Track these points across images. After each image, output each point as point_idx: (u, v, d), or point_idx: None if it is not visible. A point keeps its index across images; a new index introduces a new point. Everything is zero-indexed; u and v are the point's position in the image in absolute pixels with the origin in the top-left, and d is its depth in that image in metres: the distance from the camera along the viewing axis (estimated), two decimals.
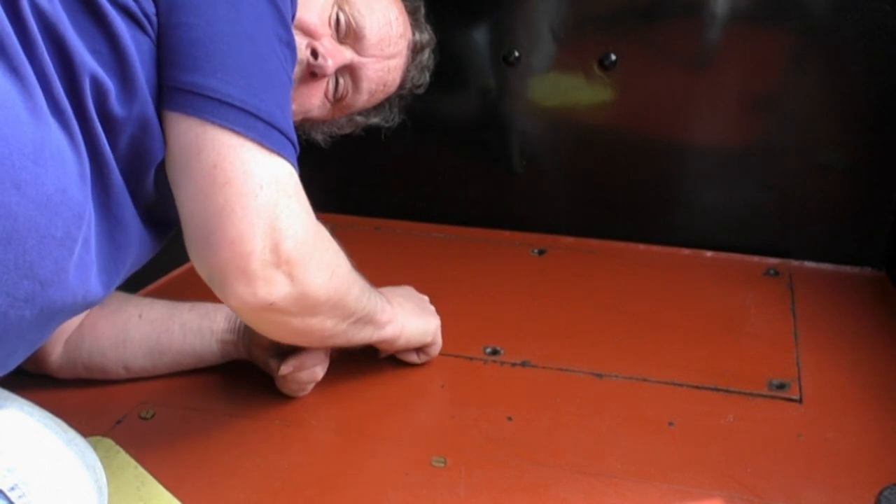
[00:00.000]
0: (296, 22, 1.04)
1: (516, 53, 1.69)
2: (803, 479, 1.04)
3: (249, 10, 0.92)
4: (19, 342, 0.86)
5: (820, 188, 1.62)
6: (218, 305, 1.24)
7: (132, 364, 1.23)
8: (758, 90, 1.62)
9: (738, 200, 1.68)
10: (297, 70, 1.07)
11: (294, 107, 1.15)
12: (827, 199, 1.63)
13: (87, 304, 0.93)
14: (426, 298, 1.33)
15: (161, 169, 0.92)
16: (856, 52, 1.51)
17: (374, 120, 1.34)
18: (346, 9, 1.15)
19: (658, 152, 1.69)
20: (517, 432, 1.14)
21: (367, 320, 1.13)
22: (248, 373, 1.25)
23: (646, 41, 1.64)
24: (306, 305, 0.97)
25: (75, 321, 1.19)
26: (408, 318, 1.23)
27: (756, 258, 1.67)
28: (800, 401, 1.21)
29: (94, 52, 0.85)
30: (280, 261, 0.90)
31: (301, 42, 1.09)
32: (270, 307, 0.93)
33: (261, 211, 0.88)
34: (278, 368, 1.18)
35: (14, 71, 0.78)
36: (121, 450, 1.09)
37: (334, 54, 1.14)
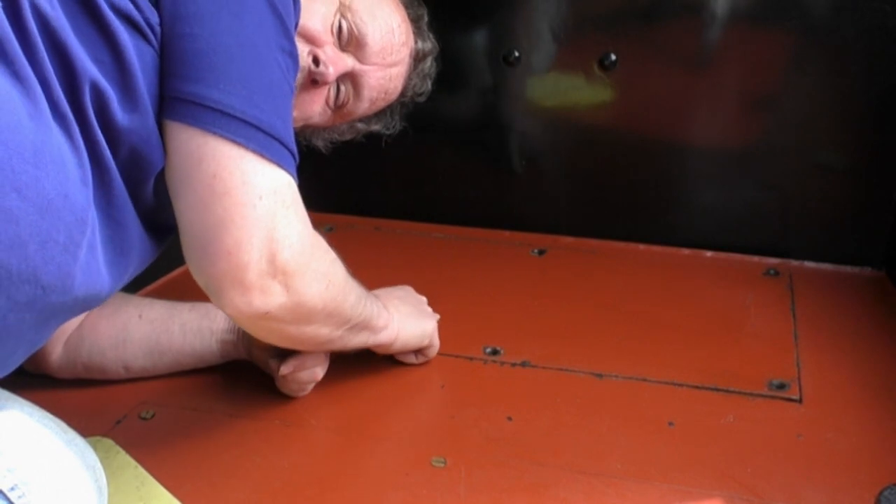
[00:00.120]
0: (298, 29, 1.04)
1: (516, 53, 1.69)
2: (803, 479, 1.04)
3: (252, 21, 0.92)
4: (19, 343, 0.86)
5: (820, 188, 1.62)
6: None
7: (132, 364, 1.23)
8: (758, 90, 1.62)
9: (738, 200, 1.68)
10: (299, 77, 1.07)
11: (295, 113, 1.16)
12: (827, 199, 1.63)
13: (88, 307, 0.93)
14: (424, 300, 1.33)
15: (160, 178, 0.92)
16: (856, 52, 1.51)
17: (376, 127, 1.34)
18: (349, 16, 1.15)
19: (658, 152, 1.69)
20: (517, 432, 1.14)
21: (362, 326, 1.13)
22: (248, 373, 1.25)
23: (646, 41, 1.64)
24: (302, 314, 0.98)
25: (75, 321, 1.19)
26: (404, 321, 1.24)
27: (756, 258, 1.67)
28: (800, 401, 1.21)
29: (97, 61, 0.85)
30: (276, 271, 0.91)
31: (303, 49, 1.09)
32: (266, 316, 0.94)
33: (259, 221, 0.89)
34: (278, 368, 1.18)
35: (15, 75, 0.78)
36: (121, 450, 1.09)
37: (336, 62, 1.14)
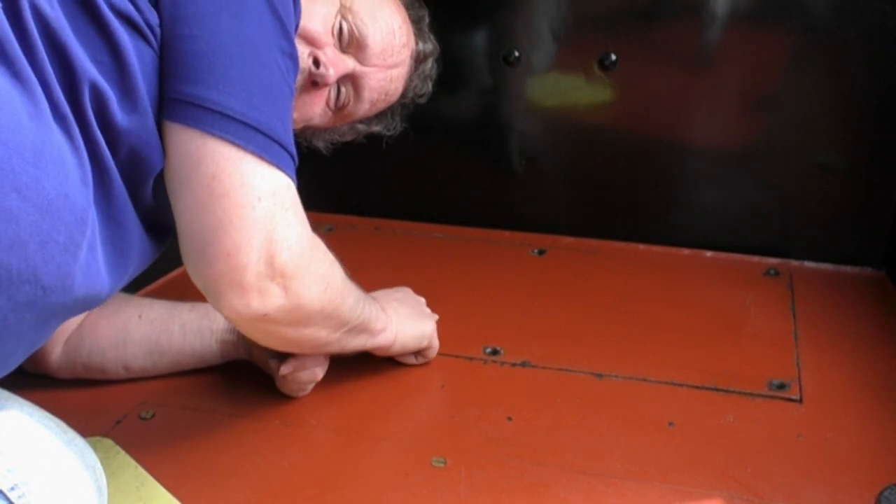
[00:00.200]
0: (299, 30, 1.04)
1: (516, 53, 1.69)
2: (803, 479, 1.04)
3: (252, 22, 0.92)
4: (19, 343, 0.86)
5: (820, 188, 1.62)
6: None
7: (132, 364, 1.23)
8: (758, 90, 1.62)
9: (738, 200, 1.68)
10: (299, 79, 1.07)
11: (295, 115, 1.16)
12: (827, 199, 1.63)
13: (88, 308, 0.93)
14: (423, 301, 1.33)
15: (160, 179, 0.92)
16: (856, 52, 1.51)
17: (376, 128, 1.34)
18: (350, 18, 1.15)
19: (658, 152, 1.69)
20: (517, 432, 1.14)
21: (360, 329, 1.13)
22: (248, 373, 1.25)
23: (646, 41, 1.64)
24: (300, 317, 0.98)
25: (75, 321, 1.19)
26: (402, 323, 1.24)
27: (756, 258, 1.67)
28: (800, 401, 1.21)
29: (96, 62, 0.85)
30: (275, 273, 0.91)
31: (303, 51, 1.09)
32: (264, 318, 0.93)
33: (258, 223, 0.89)
34: (278, 368, 1.18)
35: (16, 76, 0.78)
36: (121, 450, 1.09)
37: (336, 63, 1.14)
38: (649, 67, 1.64)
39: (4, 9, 0.79)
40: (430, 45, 1.32)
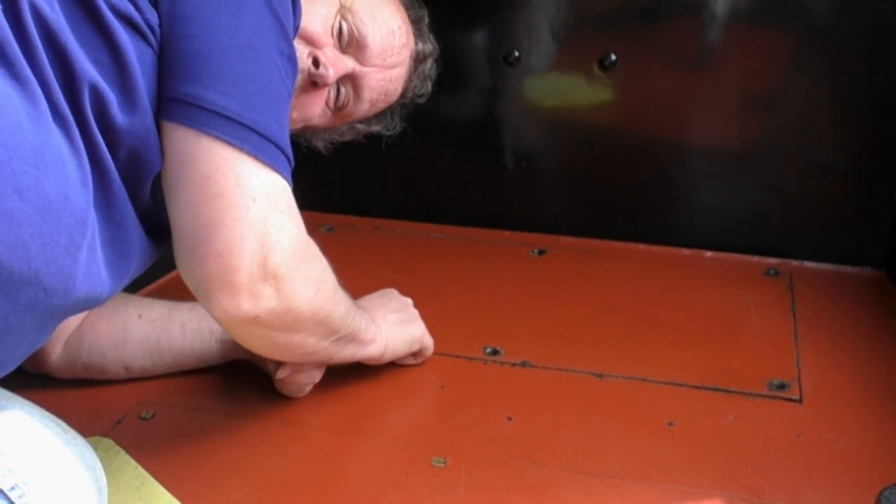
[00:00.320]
0: (299, 31, 1.04)
1: (516, 53, 1.69)
2: (803, 479, 1.04)
3: (251, 23, 0.91)
4: (19, 344, 0.86)
5: (820, 188, 1.62)
6: None
7: (132, 364, 1.23)
8: (758, 90, 1.62)
9: (738, 200, 1.68)
10: (299, 79, 1.07)
11: (294, 115, 1.16)
12: (827, 199, 1.63)
13: (88, 309, 0.93)
14: (409, 302, 1.30)
15: (158, 179, 0.92)
16: (856, 52, 1.51)
17: (376, 128, 1.34)
18: (349, 18, 1.15)
19: (658, 152, 1.69)
20: (517, 432, 1.14)
21: (350, 339, 1.12)
22: (248, 373, 1.25)
23: (646, 41, 1.64)
24: (290, 321, 0.97)
25: (75, 321, 1.19)
26: (391, 330, 1.23)
27: (756, 258, 1.67)
28: (800, 401, 1.21)
29: (96, 63, 0.85)
30: (267, 275, 0.90)
31: (303, 51, 1.09)
32: (254, 321, 0.93)
33: (251, 224, 0.88)
34: (276, 370, 1.17)
35: (15, 77, 0.78)
36: (121, 450, 1.09)
37: (336, 64, 1.14)
38: (649, 67, 1.64)
39: (4, 10, 0.79)
40: (429, 46, 1.32)
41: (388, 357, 1.23)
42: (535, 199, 1.79)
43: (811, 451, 1.10)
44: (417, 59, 1.29)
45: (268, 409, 1.19)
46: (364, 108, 1.24)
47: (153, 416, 1.18)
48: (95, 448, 0.93)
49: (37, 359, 1.18)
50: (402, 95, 1.30)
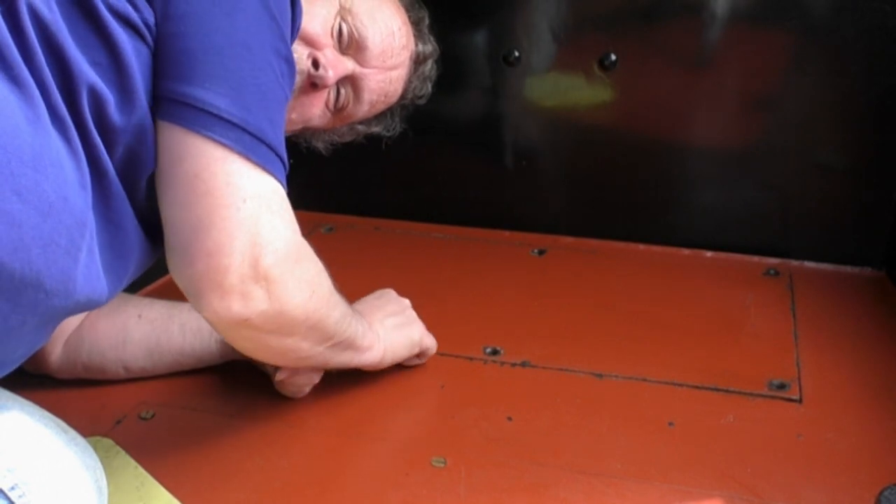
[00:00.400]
0: (299, 32, 1.03)
1: (516, 53, 1.69)
2: (803, 479, 1.04)
3: (246, 23, 0.90)
4: (19, 344, 0.86)
5: (820, 188, 1.62)
6: None
7: (132, 364, 1.23)
8: (758, 90, 1.62)
9: (738, 200, 1.68)
10: (298, 80, 1.06)
11: (294, 116, 1.15)
12: (827, 199, 1.63)
13: (89, 310, 0.92)
14: (407, 303, 1.29)
15: (153, 179, 0.91)
16: (856, 52, 1.51)
17: (376, 129, 1.34)
18: (349, 19, 1.15)
19: (658, 152, 1.69)
20: (517, 432, 1.14)
21: (346, 345, 1.11)
22: (248, 373, 1.25)
23: (646, 41, 1.64)
24: (283, 324, 0.96)
25: (75, 321, 1.19)
26: (390, 335, 1.21)
27: (756, 258, 1.67)
28: (800, 401, 1.21)
29: (94, 64, 0.85)
30: (258, 276, 0.89)
31: (302, 52, 1.09)
32: (245, 323, 0.91)
33: (242, 224, 0.87)
34: (275, 371, 1.17)
35: (14, 80, 0.77)
36: (121, 450, 1.09)
37: (335, 65, 1.14)
38: (649, 67, 1.64)
39: (2, 12, 0.79)
40: (429, 47, 1.32)
41: (387, 363, 1.22)
42: (535, 198, 1.79)
43: (811, 451, 1.10)
44: (417, 61, 1.29)
45: (267, 409, 1.19)
46: (364, 109, 1.23)
47: (153, 416, 1.18)
48: (95, 448, 0.93)
49: (37, 359, 1.18)
50: (402, 97, 1.30)
